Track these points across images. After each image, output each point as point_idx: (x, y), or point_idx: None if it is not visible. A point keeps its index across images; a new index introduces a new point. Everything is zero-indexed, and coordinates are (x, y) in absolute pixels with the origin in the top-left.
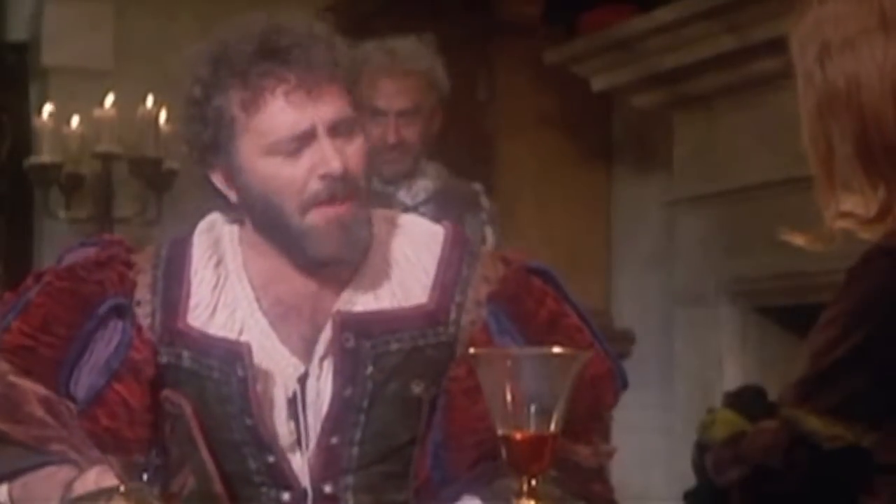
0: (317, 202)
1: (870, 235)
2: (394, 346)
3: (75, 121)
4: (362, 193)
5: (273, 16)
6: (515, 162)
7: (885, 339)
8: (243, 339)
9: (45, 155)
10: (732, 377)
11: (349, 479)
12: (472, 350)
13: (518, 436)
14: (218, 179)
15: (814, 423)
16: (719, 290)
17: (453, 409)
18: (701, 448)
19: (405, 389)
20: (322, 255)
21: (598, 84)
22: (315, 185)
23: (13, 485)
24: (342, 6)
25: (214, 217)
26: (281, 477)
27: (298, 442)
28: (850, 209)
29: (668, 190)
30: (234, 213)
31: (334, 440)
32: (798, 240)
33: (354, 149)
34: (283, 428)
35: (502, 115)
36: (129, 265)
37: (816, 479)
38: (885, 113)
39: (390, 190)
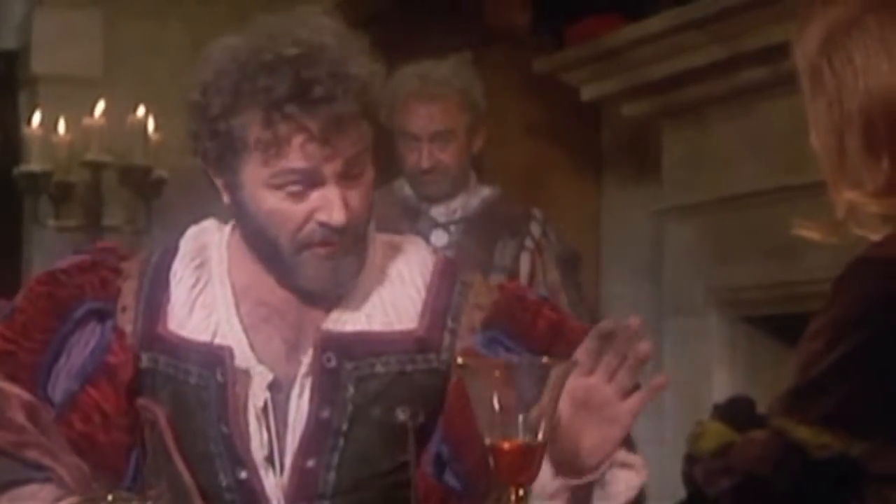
0: (310, 244)
1: (879, 209)
2: (378, 369)
3: (64, 129)
4: (360, 233)
5: (303, 29)
6: (505, 171)
7: (872, 348)
8: (218, 342)
9: (34, 163)
10: (721, 386)
11: None
12: (459, 359)
13: (506, 445)
14: (216, 180)
15: (803, 433)
16: (708, 299)
17: (453, 411)
18: (690, 460)
19: (389, 414)
20: (309, 288)
21: (587, 93)
22: (312, 228)
23: None
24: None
25: (208, 223)
26: (251, 496)
27: (271, 459)
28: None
29: (658, 199)
30: (226, 213)
31: (310, 463)
32: (812, 233)
33: (360, 191)
34: (255, 440)
35: (491, 124)
36: (117, 271)
37: (806, 488)
38: (891, 85)
39: (424, 206)
